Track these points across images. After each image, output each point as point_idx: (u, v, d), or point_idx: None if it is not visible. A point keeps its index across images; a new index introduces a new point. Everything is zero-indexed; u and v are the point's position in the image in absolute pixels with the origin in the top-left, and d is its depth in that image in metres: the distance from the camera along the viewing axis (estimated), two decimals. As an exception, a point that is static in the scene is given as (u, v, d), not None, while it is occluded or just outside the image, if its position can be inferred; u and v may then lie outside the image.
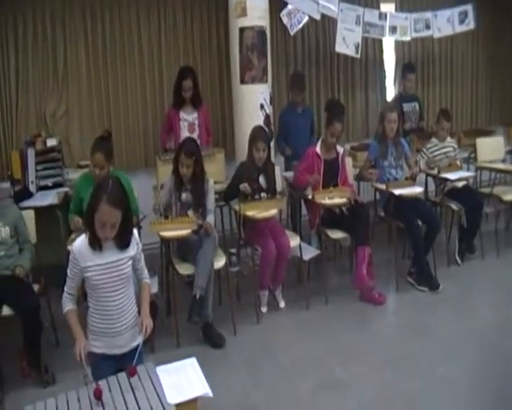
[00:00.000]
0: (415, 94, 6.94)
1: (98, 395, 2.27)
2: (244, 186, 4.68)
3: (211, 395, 2.37)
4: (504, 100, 8.39)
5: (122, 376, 2.41)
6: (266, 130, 5.21)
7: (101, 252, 2.68)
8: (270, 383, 3.74)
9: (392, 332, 4.38)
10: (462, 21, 6.77)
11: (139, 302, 2.87)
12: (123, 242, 2.73)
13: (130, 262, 2.78)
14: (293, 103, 6.10)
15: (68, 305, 2.75)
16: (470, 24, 6.82)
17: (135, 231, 2.83)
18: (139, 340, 2.75)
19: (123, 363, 2.63)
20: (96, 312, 2.75)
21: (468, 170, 6.11)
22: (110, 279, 2.70)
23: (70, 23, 5.80)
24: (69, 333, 2.71)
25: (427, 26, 6.60)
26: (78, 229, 4.03)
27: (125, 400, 2.26)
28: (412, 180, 5.29)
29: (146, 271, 2.96)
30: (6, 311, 3.67)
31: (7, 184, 5.02)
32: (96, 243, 2.66)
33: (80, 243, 2.71)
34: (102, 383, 2.36)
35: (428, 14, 6.58)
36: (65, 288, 2.76)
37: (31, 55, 5.71)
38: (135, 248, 2.80)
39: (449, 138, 5.82)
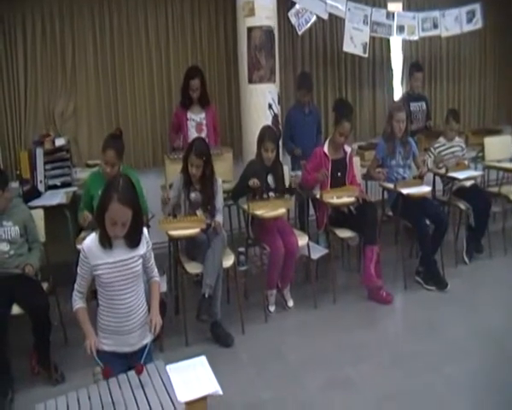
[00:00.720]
0: (422, 93, 6.91)
1: (107, 375, 2.32)
2: (253, 181, 4.67)
3: (220, 392, 2.39)
4: (512, 99, 8.37)
5: (132, 374, 2.42)
6: (275, 130, 5.21)
7: (111, 250, 2.69)
8: (279, 381, 3.75)
9: (400, 331, 4.40)
10: (469, 20, 6.75)
11: (149, 301, 2.89)
12: (133, 240, 2.74)
13: (141, 261, 2.80)
14: (300, 103, 6.10)
15: (78, 303, 2.77)
16: (478, 23, 6.80)
17: (145, 229, 2.85)
18: (149, 338, 2.77)
19: (133, 361, 2.63)
20: (107, 310, 2.76)
21: (475, 169, 6.08)
22: (120, 278, 2.71)
23: (78, 23, 5.82)
24: (78, 332, 2.73)
25: (435, 26, 6.59)
26: (88, 224, 4.05)
27: (135, 397, 2.27)
28: (420, 179, 5.29)
29: (156, 269, 2.97)
30: (16, 309, 3.68)
31: (16, 184, 5.04)
32: (106, 242, 2.67)
33: (90, 241, 2.73)
34: (112, 381, 2.37)
35: (436, 14, 6.57)
36: (75, 286, 2.78)
37: (39, 54, 5.73)
38: (145, 247, 2.82)
39: (457, 138, 5.82)
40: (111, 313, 2.76)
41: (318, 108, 6.68)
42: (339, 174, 5.10)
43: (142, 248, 2.80)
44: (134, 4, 5.99)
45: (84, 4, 5.81)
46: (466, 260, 5.55)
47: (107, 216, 2.59)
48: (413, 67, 6.78)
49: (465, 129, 7.29)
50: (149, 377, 2.40)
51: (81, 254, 2.73)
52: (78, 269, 2.75)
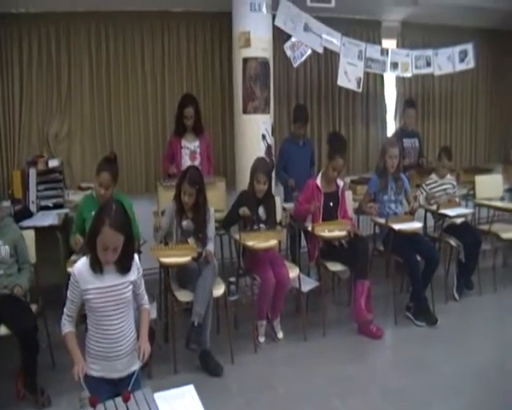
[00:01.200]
0: (415, 130, 6.99)
1: (93, 404, 2.29)
2: (243, 210, 4.69)
3: (208, 423, 2.35)
4: (503, 138, 8.49)
5: (119, 400, 2.38)
6: (268, 161, 5.22)
7: (102, 275, 2.68)
8: (268, 413, 3.71)
9: (389, 366, 4.37)
10: (462, 60, 6.86)
11: (138, 327, 2.86)
12: (124, 266, 2.73)
13: (131, 287, 2.78)
14: (294, 135, 6.14)
15: (67, 327, 2.74)
16: (470, 63, 6.91)
17: (136, 256, 2.83)
18: (137, 365, 2.73)
19: (121, 388, 2.60)
20: (95, 335, 2.74)
21: (466, 207, 6.15)
22: (110, 303, 2.69)
23: (75, 45, 5.85)
24: (66, 355, 2.69)
25: (428, 64, 6.68)
26: (79, 248, 4.03)
27: (122, 425, 2.23)
28: (411, 215, 5.32)
29: (146, 296, 2.96)
30: (3, 330, 3.62)
31: (7, 203, 5.02)
32: (97, 266, 2.66)
33: (81, 265, 2.71)
34: (99, 408, 2.33)
35: (429, 52, 6.67)
36: (64, 309, 2.76)
37: (35, 75, 5.75)
38: (135, 273, 2.81)
39: (448, 175, 5.86)
40: (100, 339, 2.73)
41: (312, 140, 6.72)
42: (331, 207, 5.11)
43: (133, 275, 2.79)
44: (131, 29, 6.04)
45: (81, 26, 5.84)
46: (456, 296, 5.54)
47: (99, 241, 2.58)
48: (406, 103, 6.87)
49: (456, 167, 7.36)
50: (137, 405, 2.36)
51: (71, 278, 2.71)
52: (68, 293, 2.72)
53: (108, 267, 2.69)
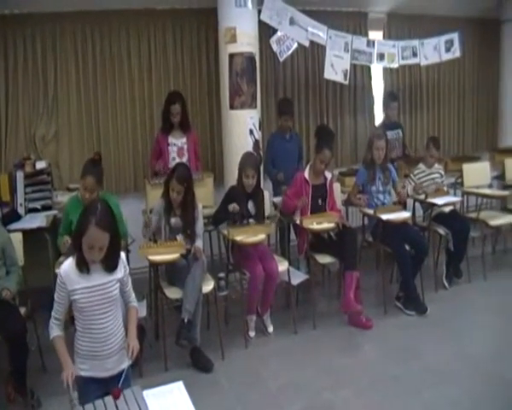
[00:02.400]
0: (397, 121, 7.02)
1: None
2: (233, 206, 4.70)
3: (198, 418, 2.37)
4: (490, 127, 8.50)
5: (109, 399, 2.39)
6: (256, 156, 5.23)
7: (88, 274, 2.68)
8: (259, 407, 3.74)
9: (379, 356, 4.38)
10: (448, 50, 6.88)
11: (126, 325, 2.87)
12: (110, 264, 2.74)
13: (118, 285, 2.79)
14: (281, 129, 6.14)
15: (55, 331, 2.74)
16: (456, 52, 6.93)
17: (122, 254, 2.84)
18: (126, 363, 2.75)
19: (111, 386, 2.59)
20: (84, 335, 2.74)
21: (454, 195, 6.17)
22: (98, 302, 2.70)
23: (61, 46, 5.83)
24: (56, 358, 2.69)
25: (415, 54, 6.69)
26: (68, 249, 4.03)
27: (111, 423, 2.25)
28: (400, 205, 5.34)
29: (133, 294, 2.97)
30: (-8, 334, 3.64)
31: (-5, 206, 5.02)
32: (83, 266, 2.66)
33: (68, 266, 2.72)
34: (88, 407, 2.35)
35: (415, 42, 6.68)
36: (52, 313, 2.76)
37: (21, 77, 5.73)
38: (122, 271, 2.81)
39: (436, 164, 5.88)
40: (88, 338, 2.74)
41: (299, 134, 6.73)
42: (319, 200, 5.14)
43: (120, 273, 2.80)
44: (116, 28, 6.02)
45: (67, 27, 5.83)
46: (446, 284, 5.59)
47: (85, 240, 2.59)
48: (388, 96, 6.90)
49: (444, 156, 7.38)
50: (126, 403, 2.37)
51: (58, 280, 2.71)
52: (55, 295, 2.73)
53: (95, 266, 2.69)
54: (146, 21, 6.15)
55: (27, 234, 4.40)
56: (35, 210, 5.23)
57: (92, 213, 2.59)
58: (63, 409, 2.44)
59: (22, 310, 3.96)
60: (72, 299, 2.69)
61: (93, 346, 2.73)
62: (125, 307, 2.95)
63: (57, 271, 3.07)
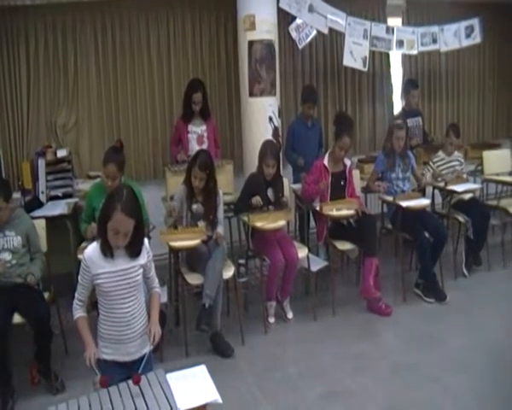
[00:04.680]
0: (418, 109, 6.96)
1: (104, 384, 2.40)
2: (256, 200, 4.70)
3: (220, 401, 2.39)
4: (511, 113, 8.42)
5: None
6: (276, 144, 5.22)
7: (112, 259, 2.72)
8: (278, 392, 3.76)
9: (398, 343, 4.39)
10: (468, 35, 6.82)
11: (149, 311, 2.91)
12: (134, 250, 2.77)
13: (141, 270, 2.82)
14: (303, 116, 6.14)
15: (79, 312, 2.79)
16: (476, 38, 6.87)
17: (146, 240, 2.87)
18: (148, 348, 2.79)
19: (133, 370, 2.64)
20: (107, 319, 2.79)
21: (474, 182, 6.12)
22: (121, 287, 2.74)
23: (81, 35, 5.88)
24: (79, 341, 2.74)
25: (434, 40, 6.64)
26: (95, 235, 4.09)
27: (135, 405, 2.28)
28: (420, 192, 5.33)
29: (156, 280, 2.99)
30: (17, 318, 3.70)
31: (17, 195, 5.07)
32: (108, 251, 2.70)
33: (92, 250, 2.76)
34: (113, 389, 2.39)
35: (435, 28, 6.63)
36: (75, 294, 2.80)
37: (42, 67, 5.79)
38: (145, 257, 2.85)
39: (456, 152, 5.85)
40: (111, 322, 2.78)
41: (319, 121, 6.72)
42: (339, 187, 5.13)
43: (143, 258, 2.83)
44: (136, 17, 6.06)
45: (87, 17, 5.87)
46: (465, 272, 5.57)
47: (110, 226, 2.62)
48: (410, 84, 6.80)
49: (464, 143, 7.32)
50: (149, 386, 2.41)
51: (82, 263, 2.76)
52: (79, 278, 2.77)
53: (119, 252, 2.73)
54: (165, 10, 6.17)
55: (49, 221, 4.45)
56: (56, 198, 5.28)
57: (118, 199, 2.62)
58: (87, 392, 2.46)
59: (46, 295, 4.03)
60: (96, 283, 2.73)
61: (116, 330, 2.77)
62: (148, 292, 2.99)
63: (79, 256, 3.12)
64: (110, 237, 2.65)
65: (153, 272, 2.95)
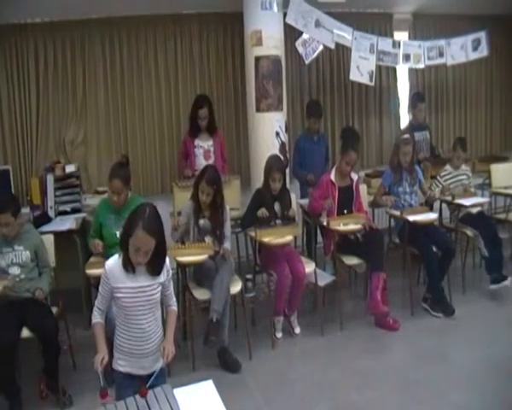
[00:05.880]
0: (425, 123, 6.95)
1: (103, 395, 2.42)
2: (262, 212, 4.71)
3: (227, 416, 2.40)
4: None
5: (140, 397, 2.44)
6: (282, 159, 5.24)
7: (133, 275, 2.73)
8: (285, 407, 3.76)
9: (407, 358, 4.37)
10: (475, 49, 6.81)
11: (165, 328, 2.92)
12: (155, 269, 2.78)
13: (160, 288, 2.83)
14: (309, 131, 6.17)
15: (97, 318, 2.82)
16: (484, 51, 6.85)
17: (167, 258, 2.87)
18: (161, 362, 2.81)
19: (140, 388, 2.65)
20: (124, 332, 2.80)
21: (482, 196, 6.11)
22: (139, 303, 2.75)
23: (89, 52, 5.95)
24: (87, 357, 2.77)
25: (441, 54, 6.62)
26: (99, 251, 4.12)
27: (142, 420, 2.29)
28: (428, 206, 5.33)
29: (174, 298, 3.00)
30: (26, 333, 3.72)
31: (26, 210, 5.11)
32: (129, 266, 2.71)
33: (113, 262, 2.77)
34: (120, 404, 2.39)
35: (442, 42, 6.62)
36: (95, 302, 2.83)
37: (51, 83, 5.86)
38: (165, 275, 2.85)
39: (463, 166, 5.84)
40: (127, 336, 2.79)
41: (326, 135, 6.74)
42: (345, 202, 5.13)
43: (163, 276, 2.84)
44: (143, 33, 6.13)
45: (95, 34, 5.95)
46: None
47: (131, 242, 2.62)
48: (416, 98, 6.79)
49: (472, 156, 7.32)
50: (157, 401, 2.41)
51: (102, 274, 2.77)
52: (100, 287, 2.79)
53: (140, 268, 2.73)
54: (172, 26, 6.23)
55: (57, 236, 4.46)
56: (65, 213, 5.32)
57: (140, 217, 2.63)
58: (94, 407, 2.47)
59: (54, 310, 4.05)
60: (115, 296, 2.75)
61: (132, 344, 2.79)
62: (165, 309, 3.00)
63: (88, 271, 3.11)
64: (131, 254, 2.66)
65: (171, 290, 2.96)
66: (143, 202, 2.93)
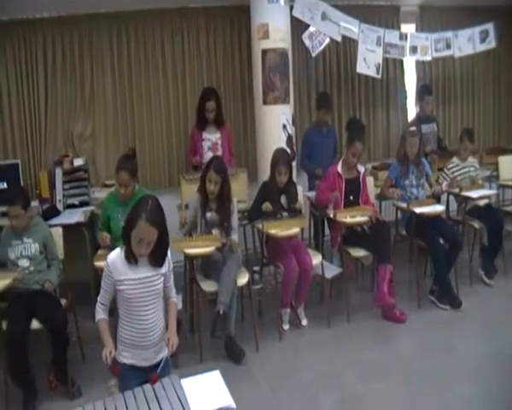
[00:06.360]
0: (432, 115, 6.94)
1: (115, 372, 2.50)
2: (266, 206, 4.74)
3: (234, 406, 2.40)
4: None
5: (148, 387, 2.47)
6: (288, 151, 5.24)
7: (136, 266, 2.76)
8: (292, 398, 3.78)
9: (413, 350, 4.38)
10: (482, 40, 6.78)
11: (166, 320, 2.95)
12: (157, 260, 2.82)
13: (162, 279, 2.87)
14: (318, 123, 6.17)
15: (101, 314, 2.85)
16: (491, 43, 6.83)
17: (169, 250, 2.91)
18: (165, 352, 2.84)
19: (150, 375, 2.68)
20: (127, 324, 2.84)
21: (490, 188, 6.09)
22: (143, 294, 2.78)
23: (97, 46, 5.98)
24: (95, 348, 2.80)
25: (448, 46, 6.60)
26: (106, 244, 4.15)
27: (150, 409, 2.32)
28: (435, 199, 5.33)
29: (174, 290, 3.04)
30: (35, 324, 3.76)
31: (35, 203, 5.15)
32: (131, 258, 2.74)
33: (116, 256, 2.80)
34: (128, 394, 2.42)
35: (449, 34, 6.60)
36: (98, 298, 2.86)
37: (59, 78, 5.89)
38: (166, 266, 2.89)
39: (470, 158, 5.82)
40: (131, 328, 2.83)
41: (333, 128, 6.74)
42: (352, 194, 5.14)
43: (164, 268, 2.87)
44: (151, 27, 6.14)
45: (103, 28, 5.97)
46: (486, 281, 5.48)
47: (134, 234, 2.66)
48: (424, 90, 6.76)
49: (479, 148, 7.29)
50: (164, 391, 2.44)
51: (105, 268, 2.80)
52: (102, 282, 2.83)
53: (142, 259, 2.77)
54: (180, 20, 6.24)
55: (66, 229, 4.50)
56: (73, 206, 5.36)
57: (143, 209, 2.66)
58: (103, 397, 2.49)
59: (63, 302, 4.08)
60: (118, 289, 2.78)
61: (135, 336, 2.82)
62: (165, 301, 3.02)
63: (96, 264, 3.13)
64: (133, 245, 2.69)
65: (171, 282, 2.99)
66: (146, 194, 2.95)
